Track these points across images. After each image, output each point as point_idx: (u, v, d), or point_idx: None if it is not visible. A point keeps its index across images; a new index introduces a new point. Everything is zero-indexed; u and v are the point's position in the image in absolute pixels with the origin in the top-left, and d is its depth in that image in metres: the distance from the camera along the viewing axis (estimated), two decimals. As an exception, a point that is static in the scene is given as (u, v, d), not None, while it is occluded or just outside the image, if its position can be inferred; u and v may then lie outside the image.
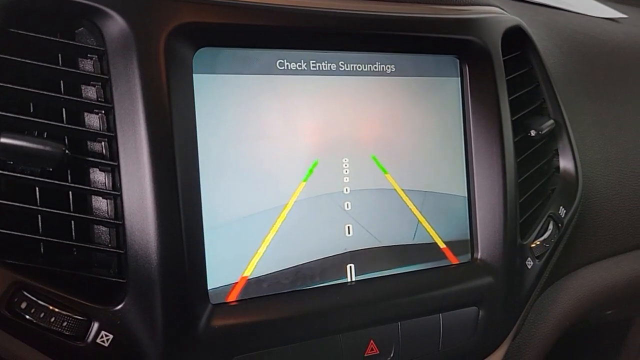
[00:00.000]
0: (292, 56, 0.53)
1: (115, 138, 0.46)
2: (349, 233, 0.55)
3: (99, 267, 0.47)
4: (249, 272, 0.51)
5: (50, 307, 0.44)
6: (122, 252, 0.46)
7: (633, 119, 0.89)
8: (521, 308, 0.65)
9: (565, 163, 0.73)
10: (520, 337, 0.74)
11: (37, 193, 0.46)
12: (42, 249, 0.46)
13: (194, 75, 0.49)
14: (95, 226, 0.48)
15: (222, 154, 0.50)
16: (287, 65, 0.53)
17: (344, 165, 0.55)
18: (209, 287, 0.49)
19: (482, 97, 0.62)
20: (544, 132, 0.69)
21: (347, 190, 0.55)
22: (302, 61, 0.54)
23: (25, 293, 0.44)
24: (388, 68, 0.58)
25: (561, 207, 0.71)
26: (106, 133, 0.47)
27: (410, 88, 0.59)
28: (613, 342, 1.42)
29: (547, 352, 0.82)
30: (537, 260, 0.66)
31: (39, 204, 0.46)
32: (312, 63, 0.54)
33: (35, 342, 0.44)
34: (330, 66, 0.55)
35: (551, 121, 0.71)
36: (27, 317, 0.43)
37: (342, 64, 0.56)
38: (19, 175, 0.45)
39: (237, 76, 0.51)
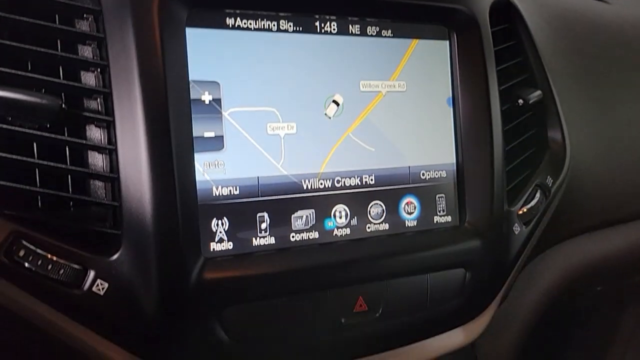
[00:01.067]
0: (290, 17, 0.55)
1: (110, 95, 0.48)
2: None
3: (95, 221, 0.49)
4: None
5: (48, 256, 0.45)
6: (117, 204, 0.48)
7: (621, 95, 0.91)
8: (508, 272, 0.67)
9: (553, 134, 0.75)
10: (508, 303, 0.75)
11: (35, 148, 0.48)
12: (39, 203, 0.48)
13: (186, 29, 0.50)
14: (91, 181, 0.49)
15: (216, 110, 0.52)
16: (285, 25, 0.55)
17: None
18: (201, 240, 0.50)
19: (469, 65, 0.64)
20: (531, 101, 0.70)
21: None
22: (301, 22, 0.56)
23: (24, 242, 0.45)
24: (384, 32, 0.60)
25: (548, 177, 0.72)
26: (102, 89, 0.48)
27: (403, 49, 0.61)
28: (606, 325, 1.44)
29: (534, 322, 0.84)
30: (524, 227, 0.68)
31: (36, 158, 0.47)
32: (311, 23, 0.56)
33: (32, 289, 0.46)
34: (326, 26, 0.57)
35: (539, 92, 0.72)
36: (25, 264, 0.45)
37: (334, 25, 0.57)
38: (16, 128, 0.46)
39: (232, 32, 0.52)
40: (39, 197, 0.47)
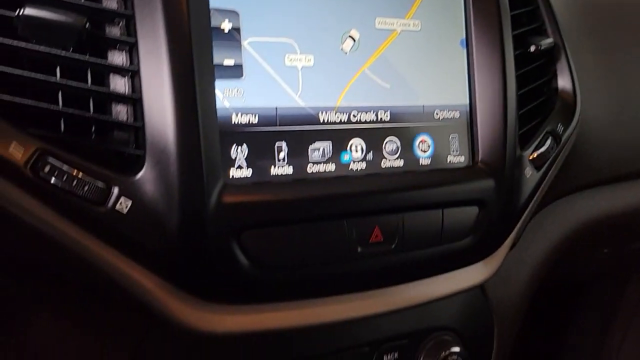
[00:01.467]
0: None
1: (133, 17, 0.48)
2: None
3: (119, 144, 0.50)
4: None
5: (73, 172, 0.46)
6: (139, 125, 0.48)
7: (633, 55, 0.91)
8: (519, 214, 0.68)
9: (564, 83, 0.76)
10: (518, 252, 0.76)
11: (58, 71, 0.48)
12: (62, 127, 0.48)
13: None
14: (114, 105, 0.50)
15: (235, 38, 0.52)
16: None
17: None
18: (221, 165, 0.51)
19: (483, 7, 0.64)
20: (543, 47, 0.71)
21: None
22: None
23: (49, 159, 0.46)
24: None
25: (559, 124, 0.73)
26: (124, 12, 0.49)
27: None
28: (610, 299, 1.45)
29: (543, 276, 0.85)
30: (535, 171, 0.69)
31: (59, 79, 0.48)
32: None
33: (57, 206, 0.47)
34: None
35: (551, 39, 0.73)
36: (50, 180, 0.46)
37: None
38: (40, 48, 0.47)
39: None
40: (62, 121, 0.48)
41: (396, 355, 0.68)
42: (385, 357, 0.67)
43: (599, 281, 1.45)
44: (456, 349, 0.70)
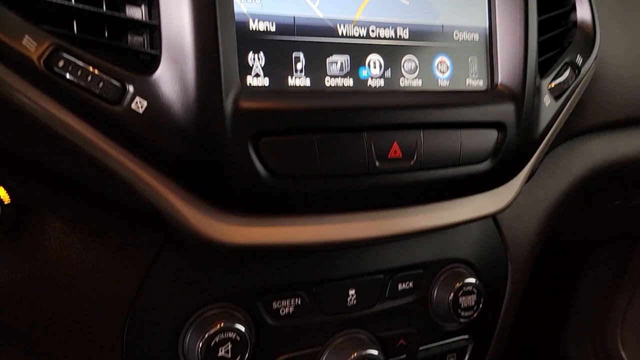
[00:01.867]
0: None
1: None
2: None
3: (133, 44, 0.48)
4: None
5: (89, 68, 0.45)
6: (155, 24, 0.47)
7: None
8: (538, 142, 0.66)
9: (583, 15, 0.74)
10: (532, 188, 0.75)
11: None
12: (75, 26, 0.47)
13: None
14: (128, 6, 0.48)
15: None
16: None
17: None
18: (238, 67, 0.50)
19: None
20: (562, -25, 0.69)
21: None
22: None
23: (63, 54, 0.45)
24: None
25: (578, 56, 0.71)
26: None
27: None
28: (616, 264, 1.45)
29: (556, 217, 0.84)
30: (554, 100, 0.67)
31: None
32: None
33: (71, 104, 0.45)
34: None
35: (569, -32, 0.71)
36: (65, 76, 0.44)
37: None
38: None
39: None
40: (76, 19, 0.47)
41: (410, 284, 0.67)
42: (399, 286, 0.66)
43: (606, 246, 1.44)
44: (471, 280, 0.69)
